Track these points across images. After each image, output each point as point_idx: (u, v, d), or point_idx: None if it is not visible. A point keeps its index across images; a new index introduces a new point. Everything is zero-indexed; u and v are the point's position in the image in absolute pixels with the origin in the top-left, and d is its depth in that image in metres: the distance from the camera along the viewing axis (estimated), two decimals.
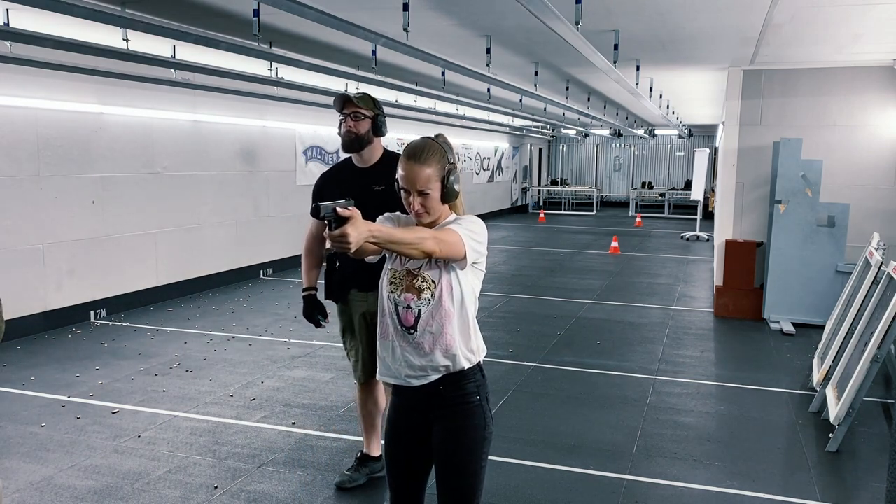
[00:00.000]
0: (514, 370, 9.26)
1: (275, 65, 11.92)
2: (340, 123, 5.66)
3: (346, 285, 5.85)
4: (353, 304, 5.88)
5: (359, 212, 3.21)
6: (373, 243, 3.35)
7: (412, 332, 3.74)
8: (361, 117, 5.60)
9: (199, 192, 14.42)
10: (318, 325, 6.06)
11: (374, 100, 5.71)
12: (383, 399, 6.06)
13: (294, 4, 6.72)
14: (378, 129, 5.68)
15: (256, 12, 7.98)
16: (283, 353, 10.15)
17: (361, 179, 5.65)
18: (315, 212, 3.17)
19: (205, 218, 14.58)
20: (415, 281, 3.74)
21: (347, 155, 5.85)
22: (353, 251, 3.23)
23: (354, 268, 5.37)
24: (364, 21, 7.76)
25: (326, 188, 5.76)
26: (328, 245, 3.28)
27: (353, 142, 5.63)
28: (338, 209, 3.16)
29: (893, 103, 12.01)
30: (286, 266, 17.13)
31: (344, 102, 5.66)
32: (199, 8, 8.53)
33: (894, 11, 8.34)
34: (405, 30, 7.96)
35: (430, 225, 3.79)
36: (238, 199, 15.60)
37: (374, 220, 4.13)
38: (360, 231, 3.17)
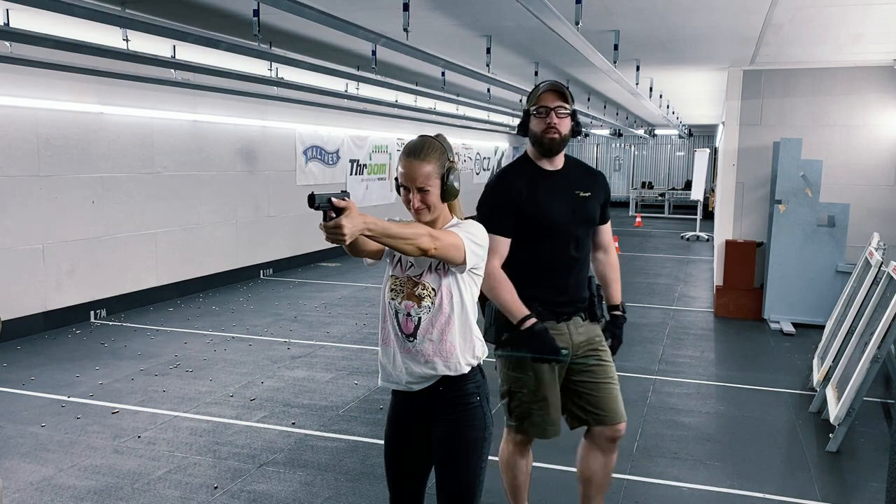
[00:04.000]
0: None
1: (275, 65, 11.94)
2: (529, 117, 4.65)
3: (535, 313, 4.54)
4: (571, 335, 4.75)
5: (355, 203, 3.20)
6: (368, 236, 3.30)
7: (412, 339, 3.73)
8: (566, 113, 4.60)
9: (199, 192, 14.43)
10: (558, 354, 4.49)
11: (570, 93, 4.74)
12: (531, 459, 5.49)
13: (294, 4, 6.71)
14: (579, 128, 4.75)
15: (256, 12, 7.96)
16: (283, 353, 10.15)
17: (563, 184, 4.68)
18: (310, 201, 3.13)
19: (205, 218, 14.57)
20: (415, 288, 3.74)
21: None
22: (347, 243, 3.23)
23: (542, 287, 4.64)
24: (364, 21, 7.76)
25: (521, 192, 4.56)
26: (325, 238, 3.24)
27: (557, 144, 4.59)
28: (333, 199, 3.14)
29: (893, 103, 12.01)
30: (286, 266, 17.13)
31: (545, 93, 4.63)
32: (199, 8, 8.53)
33: (894, 11, 8.34)
34: (405, 30, 7.93)
35: (430, 225, 3.74)
36: (238, 199, 15.60)
37: (584, 231, 4.74)
38: (355, 223, 3.15)
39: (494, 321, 4.70)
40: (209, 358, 9.87)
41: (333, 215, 3.14)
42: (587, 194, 4.70)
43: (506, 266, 4.56)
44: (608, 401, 4.96)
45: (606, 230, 5.03)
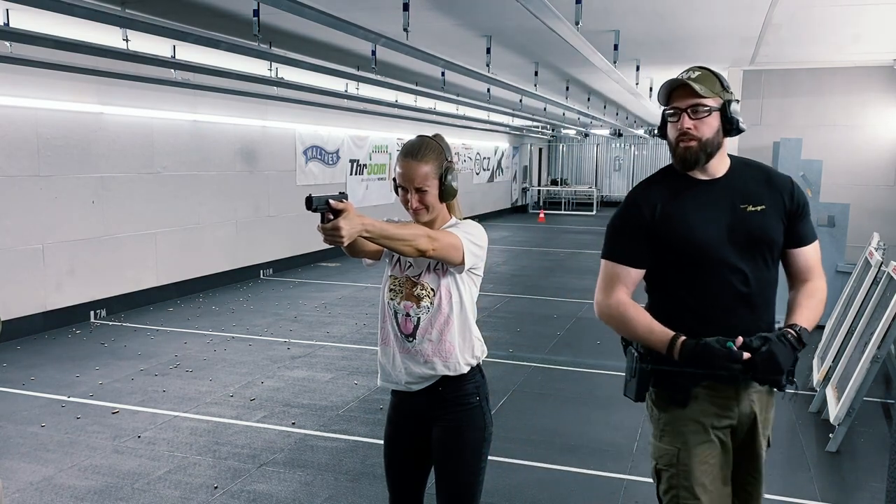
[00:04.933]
0: (514, 370, 9.39)
1: (275, 65, 11.93)
2: (665, 122, 3.60)
3: (685, 371, 3.46)
4: (703, 406, 3.55)
5: (352, 205, 3.19)
6: (366, 238, 3.31)
7: (411, 339, 3.75)
8: (705, 111, 3.44)
9: (199, 192, 14.43)
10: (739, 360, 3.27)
11: (719, 78, 3.54)
12: None
13: (294, 4, 6.72)
14: (732, 125, 3.51)
15: (256, 12, 7.98)
16: (283, 353, 10.14)
17: (720, 196, 3.55)
18: (308, 203, 3.11)
19: (205, 218, 14.58)
20: (414, 288, 3.75)
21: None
22: (345, 244, 3.24)
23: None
24: (364, 21, 7.77)
25: (655, 208, 3.55)
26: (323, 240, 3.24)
27: (695, 154, 3.47)
28: (331, 202, 3.14)
29: (893, 103, 12.02)
30: (286, 266, 17.13)
31: (675, 90, 3.53)
32: (199, 8, 8.55)
33: (894, 11, 8.35)
34: (405, 30, 7.97)
35: (429, 225, 3.76)
36: (238, 199, 15.60)
37: (752, 257, 3.47)
38: (352, 224, 3.15)
39: (636, 372, 3.67)
40: (209, 358, 9.86)
41: (331, 217, 3.14)
42: (758, 208, 3.49)
43: (648, 309, 3.62)
44: None
45: (806, 256, 3.68)
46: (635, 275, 3.60)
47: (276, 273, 16.70)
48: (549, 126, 28.00)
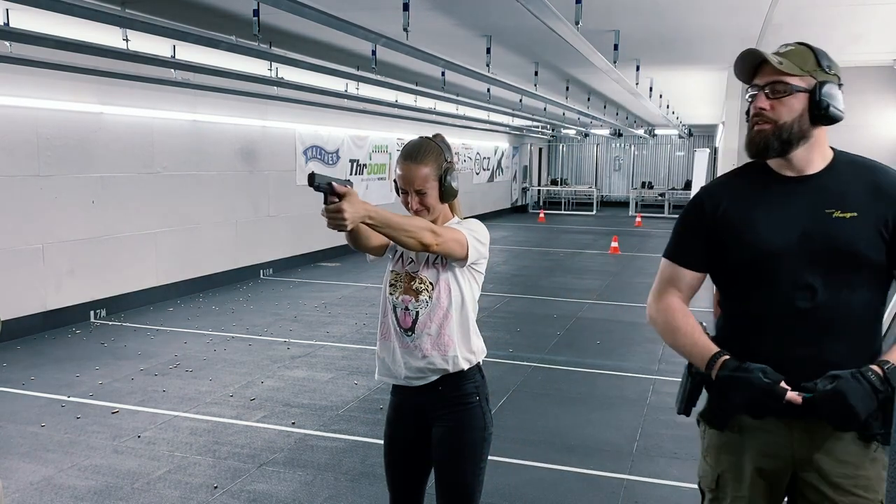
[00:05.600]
0: (513, 370, 9.39)
1: (275, 65, 11.93)
2: (750, 107, 3.03)
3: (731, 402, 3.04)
4: (747, 438, 3.12)
5: (355, 191, 3.18)
6: (369, 225, 3.29)
7: (410, 333, 3.74)
8: (785, 91, 2.89)
9: (199, 192, 14.44)
10: (772, 395, 2.86)
11: (817, 55, 2.94)
12: None
13: (294, 4, 6.72)
14: (820, 110, 2.89)
15: (256, 12, 7.99)
16: (282, 352, 10.14)
17: (806, 197, 2.98)
18: (310, 180, 3.07)
19: (205, 218, 14.59)
20: (413, 282, 3.75)
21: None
22: (348, 229, 3.20)
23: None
24: (364, 21, 7.77)
25: (719, 206, 3.10)
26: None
27: (765, 141, 2.94)
28: (334, 184, 3.12)
29: (894, 103, 12.02)
30: (286, 266, 17.11)
31: (752, 64, 3.00)
32: (199, 8, 8.55)
33: (894, 11, 8.35)
34: (405, 30, 7.97)
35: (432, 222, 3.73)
36: (238, 199, 15.61)
37: (827, 271, 2.89)
38: (356, 209, 3.13)
39: (685, 383, 3.30)
40: (209, 358, 9.86)
41: (335, 200, 3.12)
42: (846, 215, 2.90)
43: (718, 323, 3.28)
44: None
45: None
46: (690, 278, 3.26)
47: (276, 273, 16.68)
48: (549, 126, 28.07)
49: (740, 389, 2.88)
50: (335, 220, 3.12)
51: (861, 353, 2.86)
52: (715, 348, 3.02)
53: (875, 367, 2.74)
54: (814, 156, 2.97)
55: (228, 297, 14.00)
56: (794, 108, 2.88)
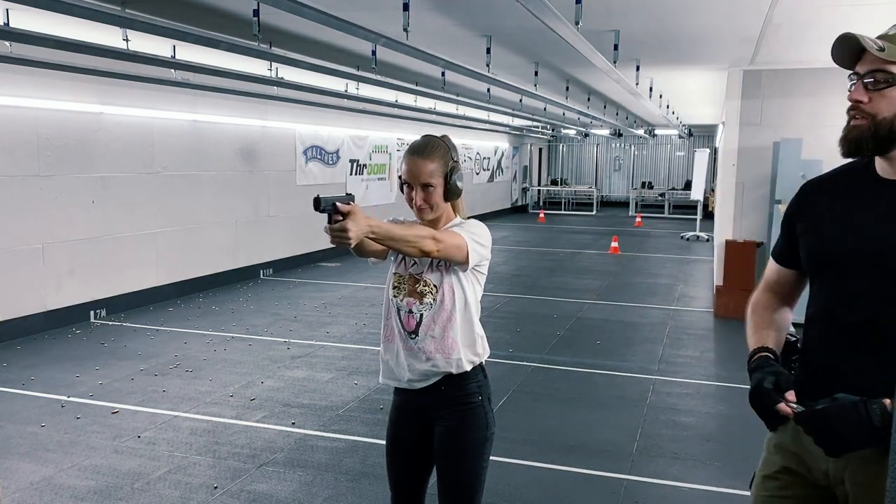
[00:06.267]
0: (514, 370, 9.41)
1: (275, 65, 11.93)
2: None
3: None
4: (796, 442, 2.84)
5: (358, 207, 3.19)
6: (372, 239, 3.32)
7: (414, 336, 3.74)
8: (888, 81, 2.58)
9: (199, 192, 14.45)
10: (770, 424, 2.90)
11: None
12: None
13: (294, 4, 6.71)
14: None
15: (256, 12, 7.97)
16: (282, 353, 10.15)
17: (893, 204, 2.68)
18: (316, 204, 3.09)
19: (205, 218, 14.61)
20: (417, 285, 3.75)
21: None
22: (352, 246, 3.22)
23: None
24: (364, 21, 7.76)
25: (805, 203, 3.00)
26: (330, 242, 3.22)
27: (860, 136, 2.66)
28: (338, 204, 3.14)
29: None
30: (286, 266, 17.15)
31: (852, 49, 2.68)
32: (198, 8, 8.54)
33: (893, 11, 8.35)
34: (405, 30, 7.94)
35: (433, 223, 3.78)
36: (238, 199, 15.63)
37: None
38: (359, 226, 3.15)
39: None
40: (209, 358, 9.87)
41: (339, 218, 3.15)
42: None
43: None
44: None
45: None
46: (784, 276, 3.06)
47: (276, 273, 16.71)
48: (549, 126, 28.03)
49: (750, 392, 2.72)
50: (339, 238, 3.15)
51: None
52: (759, 344, 2.88)
53: (886, 402, 2.42)
54: None
55: (228, 297, 14.01)
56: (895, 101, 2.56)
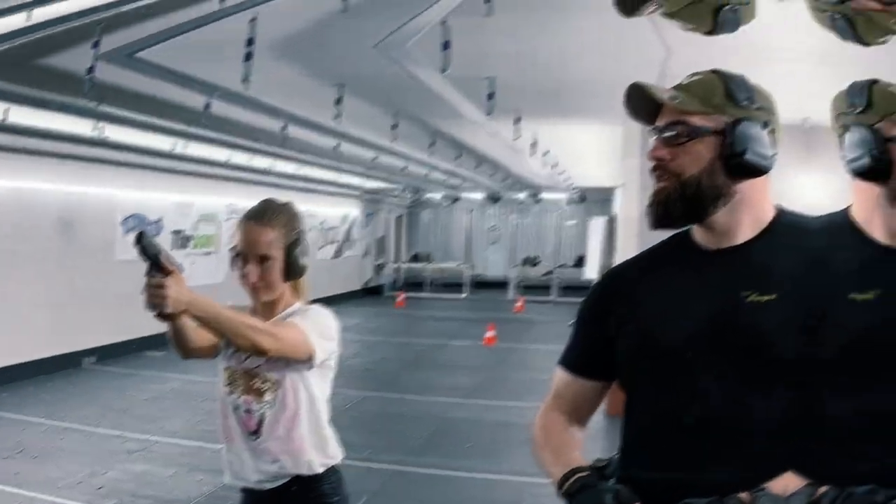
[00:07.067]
0: (369, 474, 9.94)
1: (101, 123, 12.34)
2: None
3: None
4: None
5: (184, 278, 3.38)
6: (195, 318, 3.48)
7: (256, 437, 3.96)
8: (688, 134, 2.65)
9: (17, 270, 15.01)
10: None
11: (726, 82, 2.75)
12: None
13: (131, 60, 7.71)
14: (734, 157, 2.59)
15: (91, 69, 8.68)
16: (118, 446, 10.99)
17: (720, 276, 2.66)
18: (137, 238, 3.26)
19: (23, 298, 15.12)
20: (254, 381, 3.94)
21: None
22: (168, 311, 3.32)
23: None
24: (203, 73, 8.73)
25: (639, 293, 2.81)
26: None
27: (665, 200, 2.66)
28: (161, 256, 3.29)
29: (804, 165, 12.91)
30: (110, 353, 17.52)
31: (646, 102, 2.78)
32: (30, 68, 9.23)
33: (800, 70, 9.24)
34: (244, 80, 8.78)
35: (269, 307, 4.05)
36: (55, 277, 16.11)
37: (738, 367, 2.49)
38: (181, 292, 3.31)
39: None
40: (48, 446, 10.80)
41: (160, 275, 3.29)
42: (763, 298, 2.54)
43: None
44: None
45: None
46: (580, 388, 3.03)
47: (100, 361, 17.21)
48: (409, 189, 28.45)
49: None
50: (155, 297, 3.27)
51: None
52: (570, 464, 2.78)
53: (743, 495, 2.38)
54: (741, 219, 2.67)
55: (55, 386, 14.72)
56: (700, 156, 2.61)
